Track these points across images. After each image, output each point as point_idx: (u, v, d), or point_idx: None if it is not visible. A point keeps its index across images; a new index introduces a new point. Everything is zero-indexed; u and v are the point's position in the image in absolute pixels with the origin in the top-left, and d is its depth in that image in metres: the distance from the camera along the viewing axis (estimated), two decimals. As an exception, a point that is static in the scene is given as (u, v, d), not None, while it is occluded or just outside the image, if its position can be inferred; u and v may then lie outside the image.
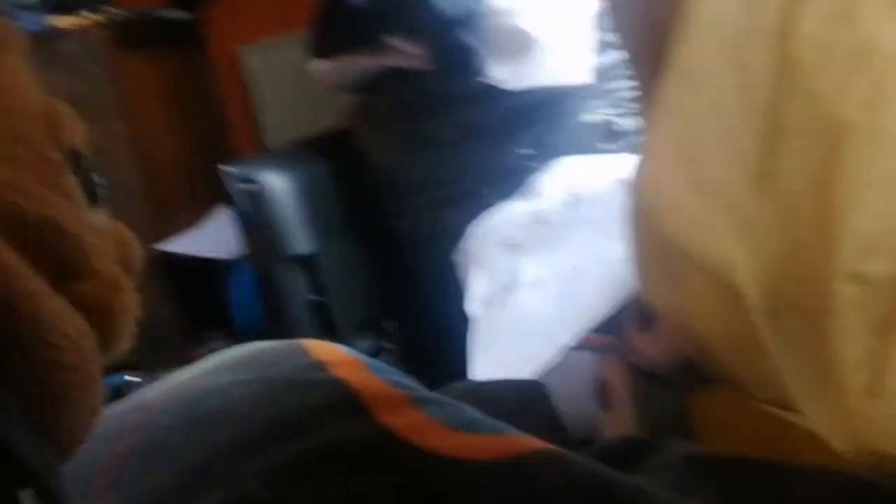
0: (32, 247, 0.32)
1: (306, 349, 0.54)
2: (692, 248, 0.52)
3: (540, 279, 1.09)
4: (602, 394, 0.93)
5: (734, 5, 0.46)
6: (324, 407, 0.46)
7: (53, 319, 0.31)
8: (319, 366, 0.51)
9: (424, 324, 1.51)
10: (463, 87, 1.23)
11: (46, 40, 2.13)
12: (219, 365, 0.55)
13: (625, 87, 1.23)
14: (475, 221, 1.22)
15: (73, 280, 0.34)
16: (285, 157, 1.51)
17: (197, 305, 2.26)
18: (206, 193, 2.45)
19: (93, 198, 0.38)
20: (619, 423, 0.89)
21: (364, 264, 1.49)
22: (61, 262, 0.34)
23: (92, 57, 2.16)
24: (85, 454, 0.48)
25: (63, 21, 2.15)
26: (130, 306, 0.38)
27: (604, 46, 1.22)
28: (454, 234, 1.26)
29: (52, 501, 0.31)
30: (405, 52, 1.27)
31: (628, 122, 1.22)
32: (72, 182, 0.37)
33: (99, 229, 0.38)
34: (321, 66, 1.50)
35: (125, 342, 0.38)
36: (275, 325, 1.42)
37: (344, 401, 0.46)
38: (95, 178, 0.39)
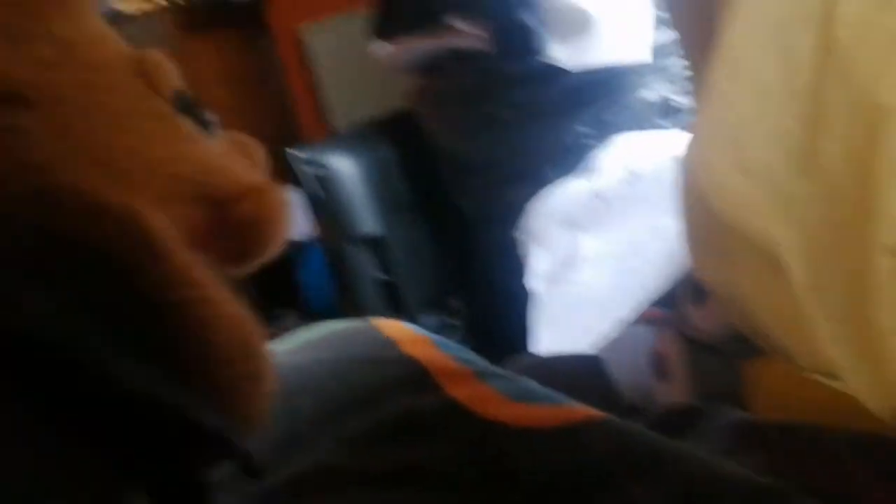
0: (198, 201, 0.36)
1: (378, 328, 0.58)
2: (739, 226, 0.54)
3: (599, 255, 1.11)
4: (658, 365, 0.96)
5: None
6: (395, 381, 0.50)
7: (222, 322, 0.34)
8: (391, 343, 0.55)
9: (488, 300, 1.54)
10: (523, 68, 1.24)
11: (113, 24, 2.19)
12: (298, 344, 0.60)
13: (681, 64, 1.23)
14: (536, 199, 1.24)
15: (231, 204, 0.37)
16: (351, 139, 1.54)
17: (269, 285, 2.32)
18: (279, 175, 2.51)
19: (206, 127, 0.40)
20: (674, 393, 0.91)
21: (430, 243, 1.51)
22: (218, 197, 0.37)
23: (157, 40, 2.22)
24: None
25: (129, 5, 2.21)
26: (282, 202, 0.40)
27: (661, 23, 1.22)
28: (516, 212, 1.28)
29: (252, 467, 0.36)
30: (466, 34, 1.28)
31: (685, 100, 1.22)
32: (188, 123, 0.38)
33: (228, 152, 0.41)
34: (383, 48, 1.52)
35: (286, 233, 0.40)
36: (345, 303, 1.46)
37: (414, 376, 0.50)
38: (201, 109, 0.40)
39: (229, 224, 0.37)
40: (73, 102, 0.32)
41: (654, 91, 1.21)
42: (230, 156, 0.40)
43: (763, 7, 0.49)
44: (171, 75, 0.39)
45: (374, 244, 1.42)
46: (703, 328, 0.87)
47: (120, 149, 0.33)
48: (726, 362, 0.84)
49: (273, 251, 0.40)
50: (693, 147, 0.57)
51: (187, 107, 0.39)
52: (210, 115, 0.41)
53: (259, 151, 0.45)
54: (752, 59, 0.49)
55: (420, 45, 1.43)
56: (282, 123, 2.70)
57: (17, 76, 0.31)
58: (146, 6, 2.21)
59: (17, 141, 0.30)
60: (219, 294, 0.34)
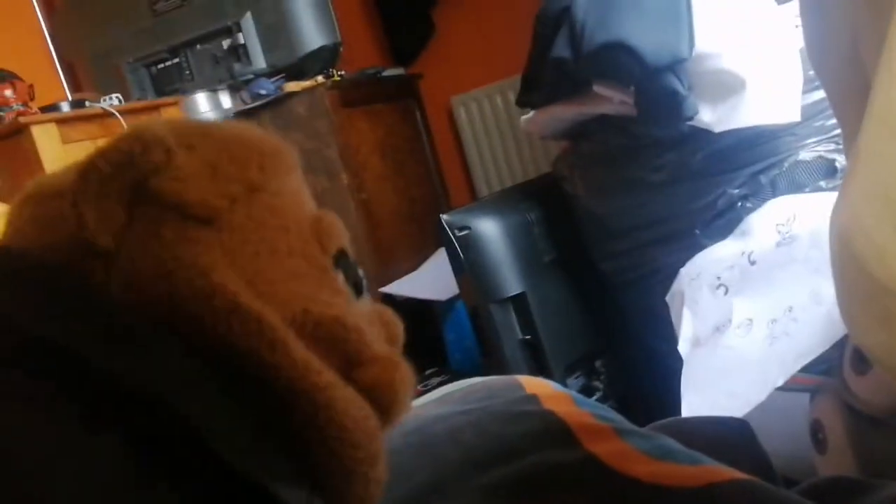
0: (324, 343, 0.39)
1: (521, 383, 0.59)
2: (901, 290, 0.51)
3: (751, 320, 1.08)
4: (817, 435, 0.91)
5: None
6: (536, 435, 0.51)
7: (344, 406, 0.37)
8: (532, 399, 0.56)
9: (635, 363, 1.52)
10: (670, 132, 1.24)
11: (280, 102, 2.37)
12: (443, 396, 0.62)
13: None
14: (685, 262, 1.22)
15: (358, 367, 0.40)
16: (496, 202, 1.58)
17: (416, 344, 2.37)
18: (423, 239, 2.59)
19: (358, 290, 0.44)
20: (835, 466, 0.86)
21: (574, 304, 1.52)
22: (347, 354, 0.40)
23: (320, 115, 2.36)
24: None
25: (294, 86, 2.38)
26: (407, 378, 0.42)
27: (814, 82, 1.19)
28: (664, 275, 1.27)
29: None
30: (611, 99, 1.29)
31: (844, 159, 1.17)
32: (341, 280, 0.42)
33: (368, 316, 0.44)
34: (529, 117, 1.56)
35: (406, 408, 0.43)
36: (490, 363, 1.48)
37: (554, 430, 0.51)
38: (358, 272, 0.44)
39: (351, 384, 0.39)
40: (245, 231, 0.39)
41: (812, 152, 1.18)
42: (368, 321, 0.43)
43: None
44: (340, 236, 0.44)
45: (518, 304, 1.44)
46: (866, 398, 0.83)
47: (270, 275, 0.38)
48: (892, 435, 0.79)
49: (388, 421, 0.41)
50: (847, 210, 0.56)
51: (346, 266, 0.43)
52: (362, 279, 0.44)
53: (398, 327, 0.48)
54: (907, 120, 0.48)
55: (564, 113, 1.46)
56: (431, 189, 2.79)
57: (212, 203, 0.38)
58: (311, 85, 2.36)
59: (195, 248, 0.37)
60: (339, 383, 0.38)
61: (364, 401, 0.39)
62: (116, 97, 2.06)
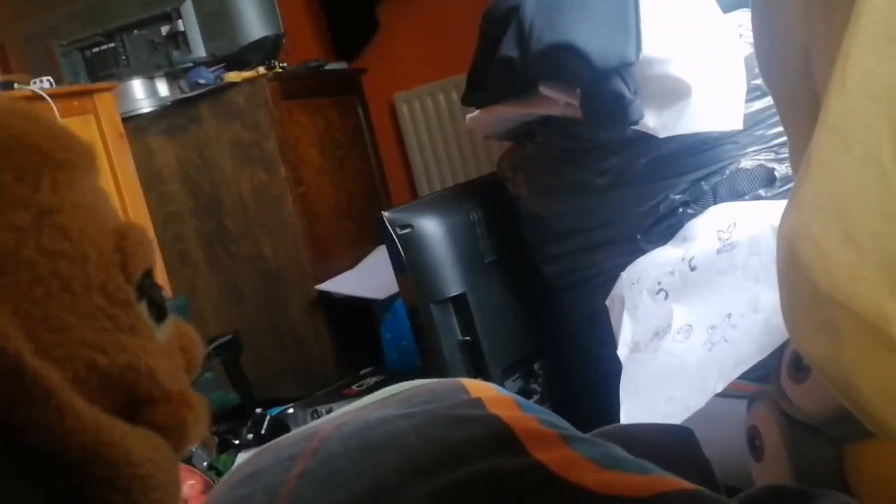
0: (112, 391, 0.36)
1: (465, 387, 0.58)
2: (847, 300, 0.52)
3: (690, 325, 1.08)
4: (754, 442, 0.92)
5: (887, 63, 0.47)
6: (481, 441, 0.49)
7: (141, 455, 0.35)
8: (476, 403, 0.55)
9: (573, 367, 1.52)
10: (615, 135, 1.24)
11: (220, 92, 2.32)
12: (385, 399, 0.60)
13: (780, 132, 1.21)
14: (626, 266, 1.23)
15: (149, 407, 0.37)
16: (438, 201, 1.57)
17: (352, 343, 2.35)
18: (361, 236, 2.56)
19: (161, 316, 0.40)
20: (770, 473, 0.87)
21: (514, 307, 1.51)
22: (138, 397, 0.37)
23: (260, 107, 2.32)
24: (269, 475, 0.54)
25: (235, 76, 2.33)
26: (199, 415, 0.40)
27: (756, 91, 1.21)
28: (605, 279, 1.27)
29: None
30: (557, 101, 1.29)
31: (784, 168, 1.19)
32: (142, 314, 0.38)
33: (166, 349, 0.40)
34: (474, 115, 1.55)
35: (198, 439, 0.40)
36: (428, 363, 1.46)
37: (500, 436, 0.49)
38: (162, 297, 0.40)
39: (140, 419, 0.37)
40: (34, 268, 0.34)
41: (753, 160, 1.19)
42: (166, 353, 0.40)
43: (871, 76, 0.48)
44: (147, 256, 0.40)
45: (458, 305, 1.43)
46: (803, 406, 0.84)
47: (57, 322, 0.34)
48: (828, 443, 0.80)
49: (187, 446, 0.40)
50: (793, 216, 0.56)
51: (150, 291, 0.39)
52: (166, 302, 0.41)
53: (198, 350, 0.45)
54: (860, 129, 0.48)
55: (510, 113, 1.45)
56: (371, 186, 2.77)
57: None
58: (252, 76, 2.32)
59: None
60: (132, 431, 0.35)
61: (157, 437, 0.37)
62: (48, 80, 1.98)
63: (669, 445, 0.62)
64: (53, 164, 0.36)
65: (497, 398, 0.56)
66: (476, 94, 1.50)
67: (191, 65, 2.40)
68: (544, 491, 0.44)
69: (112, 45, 2.49)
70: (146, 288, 0.39)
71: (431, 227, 1.41)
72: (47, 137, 0.37)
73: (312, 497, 0.49)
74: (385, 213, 1.42)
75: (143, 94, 2.42)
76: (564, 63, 1.19)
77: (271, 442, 0.62)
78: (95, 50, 2.51)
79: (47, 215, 0.35)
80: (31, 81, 2.00)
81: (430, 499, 0.45)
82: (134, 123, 2.36)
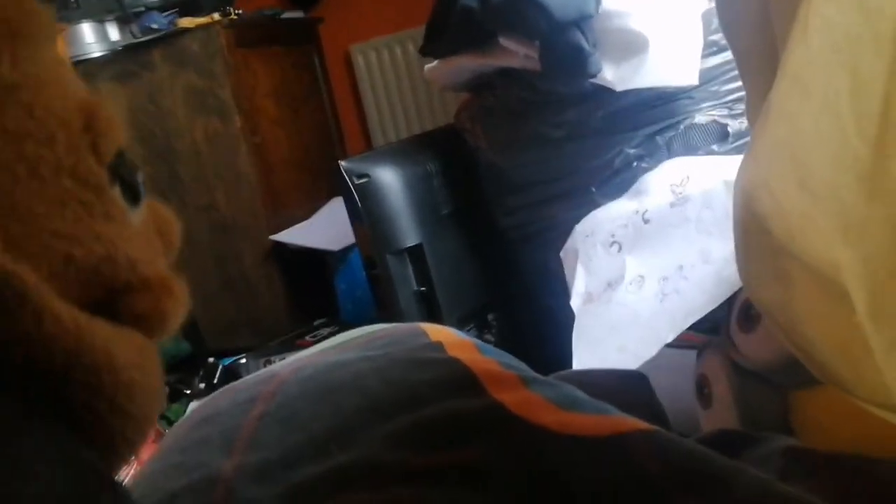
0: (89, 285, 0.33)
1: (424, 331, 0.58)
2: (799, 249, 0.53)
3: (643, 277, 1.10)
4: (703, 390, 0.94)
5: (849, 12, 0.47)
6: (442, 382, 0.50)
7: (125, 356, 0.32)
8: (437, 346, 0.55)
9: (527, 318, 1.54)
10: (573, 88, 1.24)
11: (173, 38, 2.26)
12: (345, 343, 0.60)
13: (734, 88, 1.22)
14: (581, 219, 1.24)
15: (128, 296, 0.34)
16: (395, 151, 1.56)
17: (307, 294, 2.35)
18: (316, 187, 2.54)
19: (135, 197, 0.37)
20: (718, 420, 0.90)
21: (469, 257, 1.52)
22: (115, 287, 0.34)
23: (214, 54, 2.27)
24: (227, 417, 0.54)
25: (188, 21, 2.27)
26: (180, 303, 0.37)
27: (712, 47, 1.22)
28: (560, 231, 1.28)
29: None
30: (516, 53, 1.28)
31: (736, 124, 1.21)
32: (116, 198, 0.35)
33: (142, 232, 0.37)
34: (433, 66, 1.53)
35: (178, 325, 0.38)
36: (384, 313, 1.47)
37: (460, 378, 0.50)
38: (136, 178, 0.37)
39: (119, 310, 0.34)
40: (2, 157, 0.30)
41: (707, 116, 1.20)
42: (143, 238, 0.37)
43: (832, 25, 0.48)
44: (118, 134, 0.36)
45: (414, 255, 1.43)
46: (751, 355, 0.86)
47: (26, 212, 0.31)
48: (774, 391, 0.82)
49: (158, 340, 0.37)
50: (751, 167, 0.57)
51: (123, 172, 0.36)
52: (141, 183, 0.38)
53: (174, 231, 0.42)
54: (819, 78, 0.49)
55: (469, 64, 1.44)
56: (326, 137, 2.74)
57: None
58: (205, 22, 2.26)
59: None
60: (114, 334, 0.33)
61: (139, 336, 0.35)
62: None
63: (624, 389, 0.64)
64: (14, 35, 0.32)
65: (457, 342, 0.56)
66: (435, 45, 1.48)
67: (142, 9, 2.33)
68: (503, 430, 0.44)
69: (60, -16, 2.40)
70: (119, 169, 0.36)
71: (389, 178, 1.41)
72: (4, 5, 0.33)
73: (271, 439, 0.49)
74: (342, 163, 1.41)
75: (94, 38, 2.35)
76: (524, 14, 1.19)
77: (227, 386, 0.61)
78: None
79: (9, 92, 0.31)
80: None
81: (389, 439, 0.45)
82: (83, 68, 2.29)
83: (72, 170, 0.33)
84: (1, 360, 0.28)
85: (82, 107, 0.35)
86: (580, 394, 0.48)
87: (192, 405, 1.65)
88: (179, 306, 0.37)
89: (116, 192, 0.35)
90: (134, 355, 0.33)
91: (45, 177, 0.32)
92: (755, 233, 0.58)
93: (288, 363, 0.60)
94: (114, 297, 0.34)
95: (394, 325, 0.61)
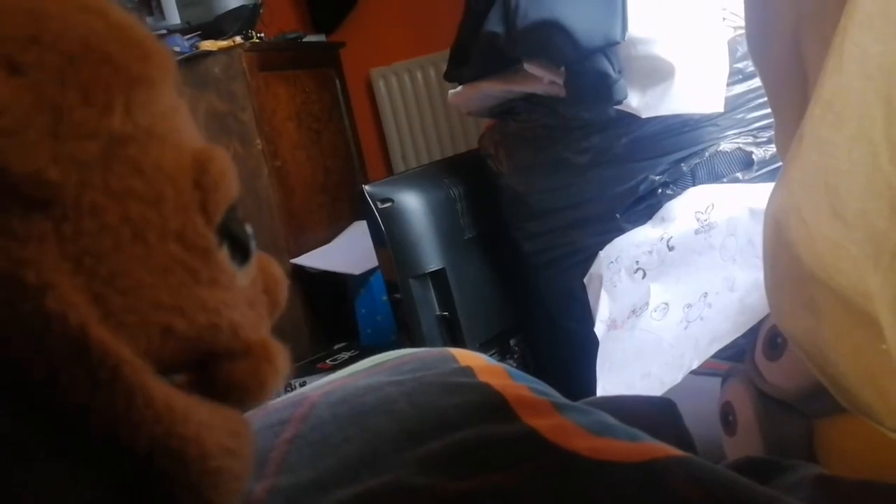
0: (188, 353, 0.31)
1: (454, 355, 0.58)
2: (828, 277, 0.53)
3: (667, 304, 1.10)
4: (727, 417, 0.94)
5: (883, 42, 0.47)
6: (473, 407, 0.50)
7: (217, 443, 0.30)
8: (466, 371, 0.55)
9: (550, 343, 1.53)
10: (597, 114, 1.25)
11: (195, 61, 2.29)
12: (372, 367, 0.60)
13: (759, 116, 1.22)
14: (605, 245, 1.24)
15: (227, 362, 0.32)
16: (419, 176, 1.57)
17: (326, 318, 2.35)
18: (336, 211, 2.55)
19: (245, 255, 0.34)
20: (743, 447, 0.89)
21: (492, 283, 1.52)
22: (215, 353, 0.32)
23: (236, 77, 2.29)
24: (258, 439, 0.54)
25: (210, 44, 2.30)
26: (280, 368, 0.35)
27: (738, 75, 1.22)
28: (583, 257, 1.28)
29: None
30: (541, 79, 1.29)
31: (761, 152, 1.21)
32: (223, 261, 0.32)
33: (249, 295, 0.35)
34: (457, 91, 1.55)
35: (275, 392, 0.36)
36: (406, 337, 1.47)
37: (491, 403, 0.50)
38: (246, 236, 0.34)
39: (216, 375, 0.32)
40: (100, 214, 0.27)
41: (732, 143, 1.21)
42: (249, 301, 0.35)
43: (867, 55, 0.49)
44: (231, 188, 0.33)
45: (436, 280, 1.43)
46: (776, 383, 0.86)
47: (127, 280, 0.28)
48: (799, 419, 0.82)
49: (253, 407, 0.35)
50: (782, 194, 0.57)
51: (233, 228, 0.33)
52: (251, 240, 0.35)
53: (282, 289, 0.39)
54: (853, 106, 0.49)
55: (493, 89, 1.45)
56: (347, 161, 2.75)
57: (50, 178, 0.26)
58: (228, 45, 2.29)
59: (20, 252, 0.25)
60: (208, 421, 0.30)
61: (236, 417, 0.32)
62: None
63: (652, 415, 0.63)
64: (128, 80, 0.29)
65: (487, 367, 0.56)
66: (459, 70, 1.49)
67: (165, 32, 2.36)
68: (536, 456, 0.44)
69: (83, 9, 2.44)
70: (229, 225, 0.33)
71: (412, 202, 1.41)
72: (122, 43, 0.29)
73: (303, 462, 0.49)
74: (366, 187, 1.42)
75: (116, 60, 2.38)
76: (550, 40, 1.19)
77: (258, 407, 0.61)
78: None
79: (118, 147, 0.28)
80: None
81: (421, 463, 0.45)
82: (106, 90, 2.31)
83: (179, 233, 0.30)
84: (81, 438, 0.26)
85: (193, 160, 0.32)
86: (612, 420, 0.48)
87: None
88: (279, 374, 0.35)
89: (224, 253, 0.33)
90: (227, 439, 0.31)
91: (149, 241, 0.29)
92: (784, 260, 0.58)
93: (317, 386, 0.60)
94: (212, 361, 0.32)
95: (423, 349, 0.61)
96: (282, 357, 0.35)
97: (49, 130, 0.26)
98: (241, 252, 0.34)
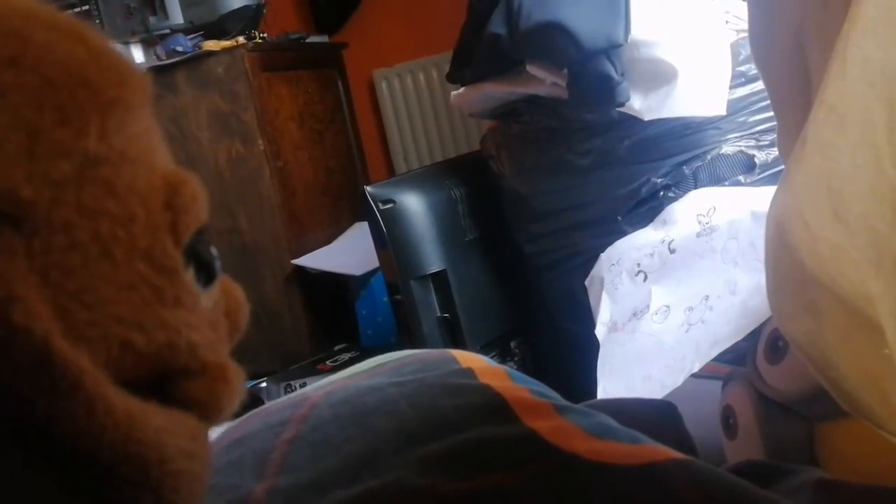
0: (146, 368, 0.31)
1: (454, 357, 0.58)
2: (831, 280, 0.53)
3: (668, 307, 1.10)
4: (728, 421, 0.94)
5: (887, 45, 0.47)
6: (473, 409, 0.50)
7: (176, 447, 0.31)
8: (467, 372, 0.55)
9: (551, 345, 1.53)
10: (600, 116, 1.25)
11: (197, 61, 2.29)
12: (373, 368, 0.60)
13: (761, 119, 1.22)
14: (606, 247, 1.24)
15: (184, 380, 0.32)
16: (420, 178, 1.57)
17: (327, 319, 2.35)
18: (338, 211, 2.55)
19: (209, 278, 0.35)
20: (744, 451, 0.89)
21: (494, 284, 1.52)
22: (172, 371, 0.32)
23: (239, 77, 2.30)
24: (259, 440, 0.54)
25: (213, 44, 2.30)
26: (235, 390, 0.35)
27: (740, 78, 1.22)
28: (585, 259, 1.28)
29: None
30: (543, 81, 1.29)
31: (763, 155, 1.21)
32: (188, 282, 0.33)
33: (210, 316, 0.35)
34: (459, 93, 1.55)
35: (231, 411, 0.36)
36: (407, 339, 1.47)
37: (492, 404, 0.50)
38: (212, 258, 0.35)
39: (172, 392, 0.32)
40: (70, 231, 0.28)
41: (734, 146, 1.21)
42: (210, 322, 0.35)
43: (870, 60, 0.49)
44: (201, 211, 0.34)
45: (438, 281, 1.43)
46: (777, 387, 0.86)
47: (92, 295, 0.29)
48: (800, 422, 0.82)
49: (210, 425, 0.35)
50: (785, 197, 0.57)
51: (200, 250, 0.34)
52: (216, 263, 0.35)
53: (244, 312, 0.39)
54: (857, 111, 0.49)
55: (495, 91, 1.45)
56: (349, 162, 2.76)
57: (24, 195, 0.27)
58: (231, 45, 2.29)
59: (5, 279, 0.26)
60: (167, 426, 0.31)
61: (193, 421, 0.33)
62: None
63: (653, 418, 0.63)
64: (103, 103, 0.30)
65: (487, 369, 0.56)
66: (462, 71, 1.50)
67: (168, 31, 2.36)
68: (536, 457, 0.44)
69: (86, 7, 2.44)
70: (196, 248, 0.33)
71: (414, 203, 1.41)
72: (99, 67, 0.30)
73: (303, 462, 0.50)
74: (368, 188, 1.42)
75: (118, 59, 2.38)
76: (552, 42, 1.19)
77: (259, 408, 0.61)
78: (68, 12, 2.45)
79: (91, 167, 0.29)
80: None
81: (421, 464, 0.45)
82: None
83: (146, 252, 0.31)
84: (45, 446, 0.27)
85: (165, 182, 0.33)
86: (613, 422, 0.48)
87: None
88: (234, 394, 0.35)
89: (190, 275, 0.33)
90: (185, 442, 0.31)
91: (117, 259, 0.30)
92: (787, 263, 0.58)
93: (318, 386, 0.60)
94: (169, 378, 0.32)
95: (424, 350, 0.62)
96: (238, 378, 0.35)
97: (25, 150, 0.27)
98: (206, 274, 0.34)
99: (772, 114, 1.03)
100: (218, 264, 0.36)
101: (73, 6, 2.43)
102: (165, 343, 0.31)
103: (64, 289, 0.28)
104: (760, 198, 1.09)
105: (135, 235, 0.30)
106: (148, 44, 2.42)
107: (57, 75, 0.29)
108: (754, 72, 1.19)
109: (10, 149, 0.27)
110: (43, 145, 0.27)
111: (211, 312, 0.35)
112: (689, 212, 1.15)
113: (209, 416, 0.34)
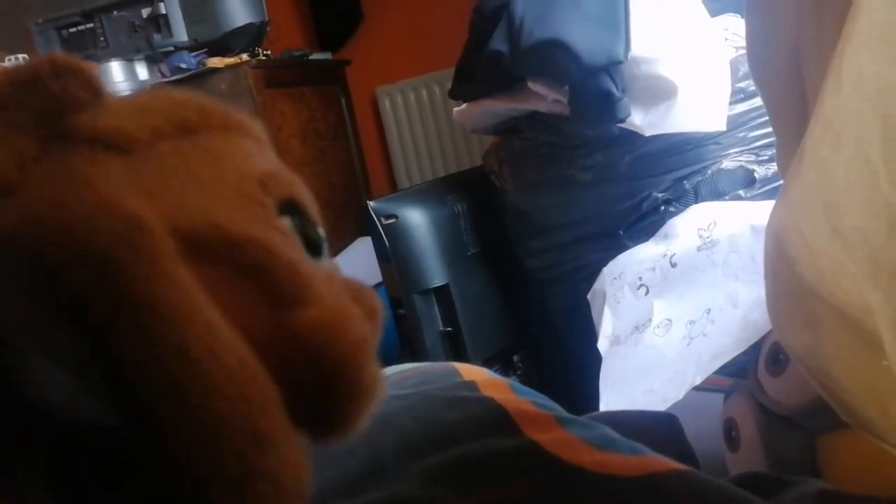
0: (241, 272, 0.26)
1: (457, 370, 0.59)
2: (829, 293, 0.53)
3: (670, 320, 1.10)
4: (730, 434, 0.94)
5: (880, 61, 0.48)
6: (476, 421, 0.50)
7: (225, 372, 0.23)
8: (470, 385, 0.56)
9: (553, 359, 1.54)
10: (601, 132, 1.26)
11: (201, 78, 2.30)
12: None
13: (761, 135, 1.23)
14: (608, 261, 1.24)
15: (291, 308, 0.27)
16: (423, 193, 1.58)
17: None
18: (341, 227, 2.56)
19: (315, 250, 0.31)
20: (746, 463, 0.89)
21: (496, 299, 1.53)
22: (276, 290, 0.27)
23: (242, 94, 2.31)
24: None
25: (217, 61, 2.32)
26: (367, 336, 0.28)
27: (740, 94, 1.23)
28: (587, 273, 1.28)
29: None
30: (544, 97, 1.30)
31: (763, 170, 1.21)
32: (286, 225, 0.30)
33: (326, 275, 0.30)
34: (461, 109, 1.56)
35: (368, 399, 0.28)
36: (409, 353, 1.47)
37: (494, 417, 0.50)
38: (316, 228, 0.32)
39: (289, 337, 0.26)
40: (165, 160, 0.28)
41: (734, 161, 1.21)
42: (328, 281, 0.30)
43: (864, 74, 0.49)
44: (292, 184, 0.32)
45: (440, 296, 1.44)
46: (779, 399, 0.86)
47: (185, 198, 0.27)
48: (802, 435, 0.82)
49: (345, 408, 0.28)
50: (782, 211, 0.57)
51: (295, 214, 0.31)
52: (324, 241, 0.32)
53: (376, 301, 0.33)
54: (852, 126, 0.50)
55: (497, 107, 1.46)
56: (351, 178, 2.77)
57: (128, 131, 0.28)
58: (234, 63, 2.31)
59: (95, 170, 0.26)
60: (229, 338, 0.23)
61: (267, 380, 0.24)
62: (22, 57, 1.96)
63: (655, 430, 0.64)
64: (209, 108, 0.32)
65: (490, 381, 0.57)
66: (464, 88, 1.51)
67: (172, 49, 2.38)
68: (539, 469, 0.45)
69: (90, 25, 2.46)
70: (290, 209, 0.31)
71: (416, 218, 1.42)
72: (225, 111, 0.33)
73: None
74: (370, 203, 1.43)
75: (122, 76, 2.40)
76: (553, 59, 1.20)
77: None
78: (73, 30, 2.47)
79: (190, 133, 0.30)
80: (5, 59, 1.97)
81: (423, 476, 0.45)
82: (112, 107, 2.33)
83: (236, 187, 0.29)
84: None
85: (261, 173, 0.31)
86: (615, 434, 0.49)
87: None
88: (366, 342, 0.28)
89: (286, 221, 0.30)
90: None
91: (206, 182, 0.28)
92: (785, 276, 0.58)
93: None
94: (277, 308, 0.26)
95: (427, 363, 0.62)
96: (367, 325, 0.29)
97: (136, 112, 0.30)
98: (307, 241, 0.31)
99: (771, 129, 1.04)
100: (325, 241, 0.32)
101: (77, 24, 2.45)
102: (258, 241, 0.27)
103: (156, 192, 0.27)
104: (761, 212, 1.10)
105: (224, 173, 0.29)
106: (152, 61, 2.44)
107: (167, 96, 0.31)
108: (753, 88, 1.20)
109: (125, 110, 0.29)
110: (149, 110, 0.30)
111: (325, 274, 0.30)
112: (690, 226, 1.16)
113: (327, 364, 0.26)
